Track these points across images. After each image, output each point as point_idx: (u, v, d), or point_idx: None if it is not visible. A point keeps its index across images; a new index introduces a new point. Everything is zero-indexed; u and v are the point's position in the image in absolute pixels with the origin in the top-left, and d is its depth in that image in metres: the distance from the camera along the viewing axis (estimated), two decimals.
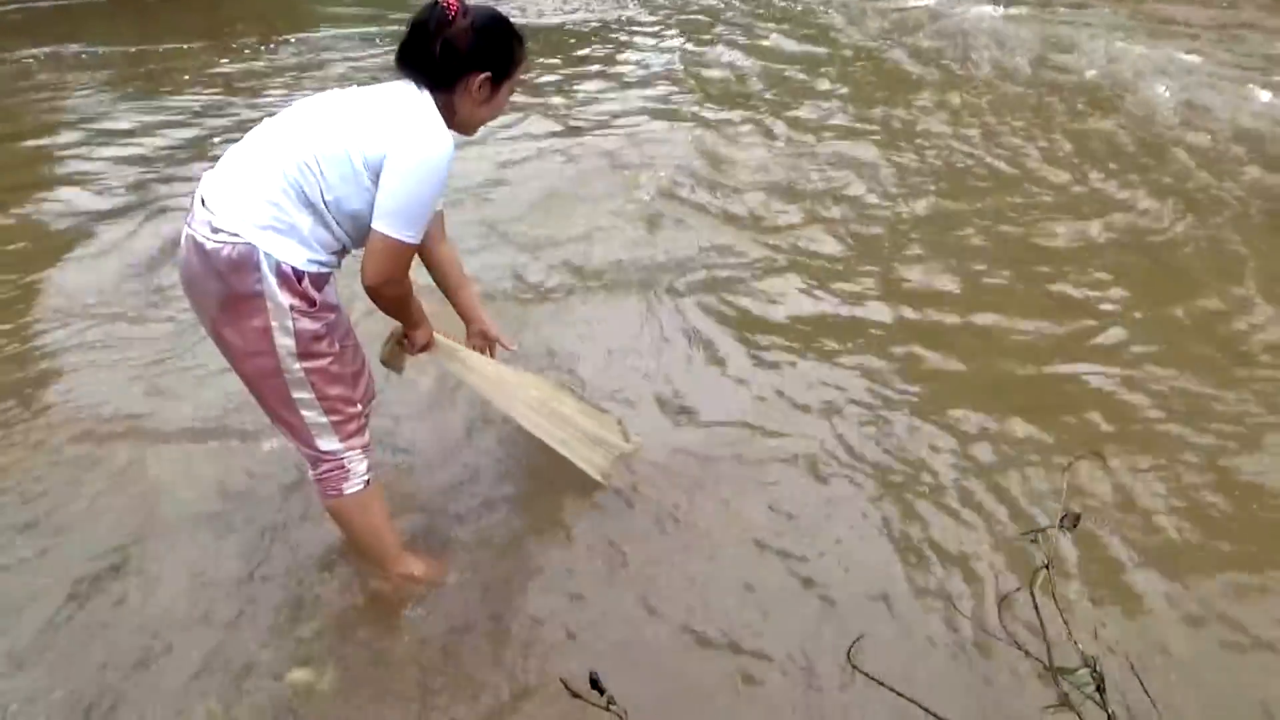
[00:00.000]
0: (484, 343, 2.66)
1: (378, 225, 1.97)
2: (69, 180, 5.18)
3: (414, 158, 1.97)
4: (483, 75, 2.06)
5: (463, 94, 2.07)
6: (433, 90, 2.05)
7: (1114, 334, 3.63)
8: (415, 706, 2.18)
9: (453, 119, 2.09)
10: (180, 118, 6.20)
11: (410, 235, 1.99)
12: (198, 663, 2.26)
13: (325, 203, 2.00)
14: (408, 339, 2.35)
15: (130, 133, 5.94)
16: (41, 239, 4.47)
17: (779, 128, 5.88)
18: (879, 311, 3.86)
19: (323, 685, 2.22)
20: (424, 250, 2.37)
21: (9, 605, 2.42)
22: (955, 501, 2.81)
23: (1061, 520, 1.87)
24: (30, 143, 5.82)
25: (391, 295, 2.08)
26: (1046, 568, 1.84)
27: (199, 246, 1.96)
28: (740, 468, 2.94)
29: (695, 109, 6.30)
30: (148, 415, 3.15)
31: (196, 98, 6.61)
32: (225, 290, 1.97)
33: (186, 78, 7.03)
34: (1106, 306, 3.85)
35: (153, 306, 3.83)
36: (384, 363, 2.43)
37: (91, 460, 2.93)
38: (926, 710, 1.60)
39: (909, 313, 3.82)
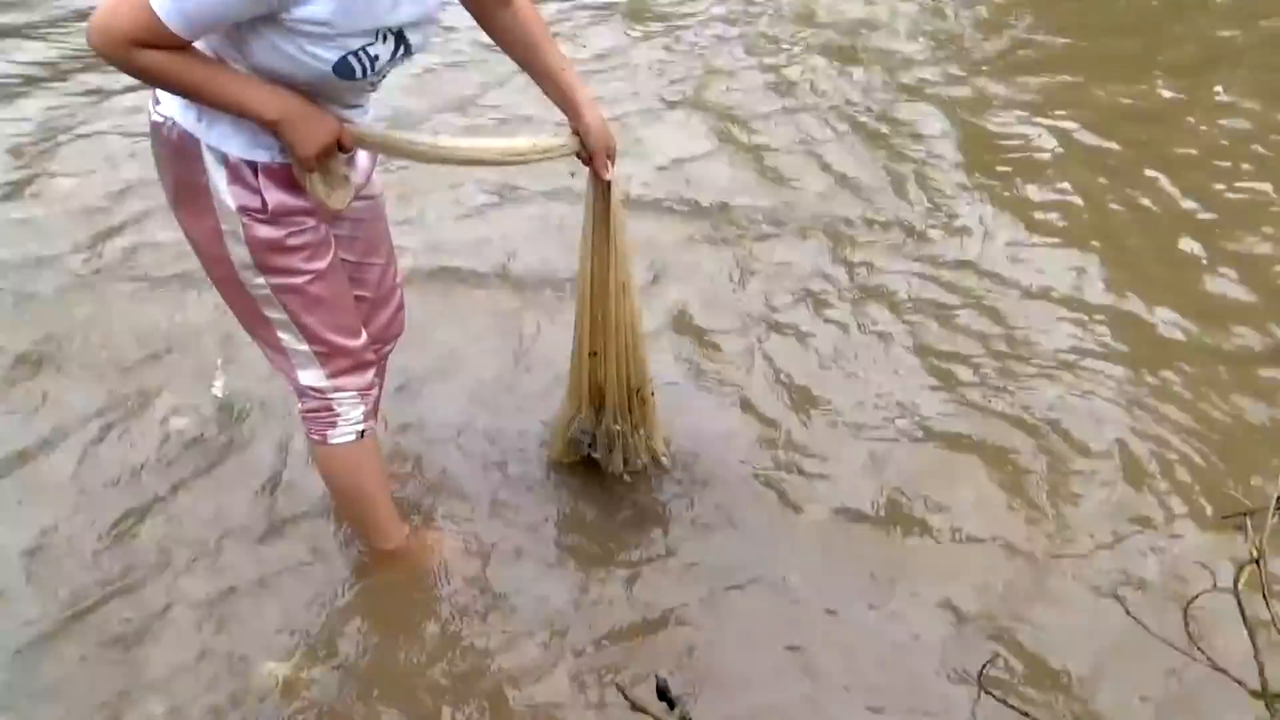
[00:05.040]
0: (597, 153, 1.81)
1: None
2: None
3: None
4: None
5: None
6: None
7: None
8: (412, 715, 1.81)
9: None
10: None
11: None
12: (158, 656, 1.93)
13: (247, 67, 1.55)
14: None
15: None
16: None
17: None
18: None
19: (302, 681, 1.87)
20: (484, 14, 1.79)
21: None
22: (1138, 475, 2.31)
23: (1279, 502, 1.45)
24: None
25: (106, 56, 1.45)
26: (1256, 561, 1.42)
27: (149, 118, 1.66)
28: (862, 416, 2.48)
29: None
30: None
31: None
32: (173, 178, 1.69)
33: None
34: None
35: None
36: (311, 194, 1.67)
37: None
38: None
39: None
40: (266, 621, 1.96)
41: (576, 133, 1.81)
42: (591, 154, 1.82)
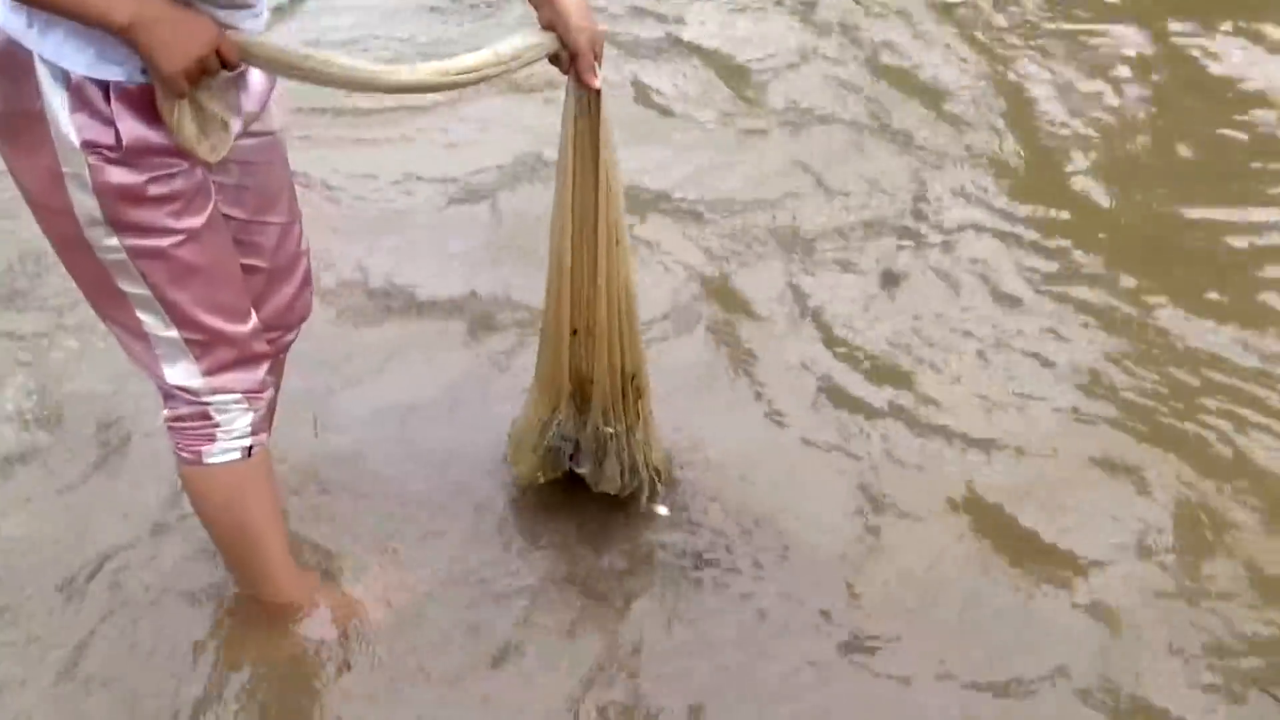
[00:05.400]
0: (582, 53, 1.47)
1: None
2: None
3: None
4: None
5: None
6: None
7: None
8: None
9: None
10: None
11: None
12: None
13: None
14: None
15: None
16: None
17: None
18: None
19: None
20: None
21: None
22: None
23: None
24: None
25: None
26: None
27: None
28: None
29: None
30: None
31: None
32: None
33: None
34: None
35: None
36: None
37: None
38: None
39: None
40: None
41: (551, 27, 1.44)
42: (574, 54, 1.46)
